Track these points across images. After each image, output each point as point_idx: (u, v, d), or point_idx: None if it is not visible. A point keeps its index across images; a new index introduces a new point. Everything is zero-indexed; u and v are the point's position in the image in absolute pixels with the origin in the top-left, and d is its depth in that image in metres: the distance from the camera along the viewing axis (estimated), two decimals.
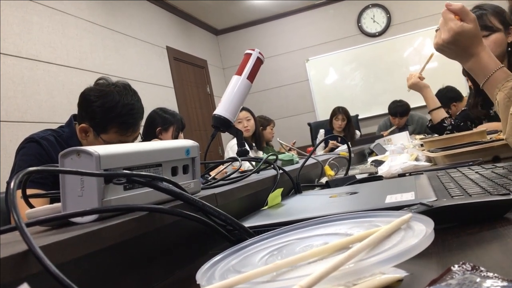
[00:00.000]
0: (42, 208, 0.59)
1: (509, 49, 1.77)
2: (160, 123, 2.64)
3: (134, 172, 0.54)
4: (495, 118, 1.91)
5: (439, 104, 2.08)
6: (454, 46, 1.01)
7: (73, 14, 3.85)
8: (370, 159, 1.80)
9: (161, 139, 2.60)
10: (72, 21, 3.83)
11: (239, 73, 1.26)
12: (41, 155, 1.48)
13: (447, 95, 3.76)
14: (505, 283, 0.30)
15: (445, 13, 1.02)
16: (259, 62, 1.28)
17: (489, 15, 1.79)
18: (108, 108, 1.53)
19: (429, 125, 2.20)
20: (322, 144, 4.41)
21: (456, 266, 0.35)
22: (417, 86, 2.16)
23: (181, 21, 6.02)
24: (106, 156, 0.53)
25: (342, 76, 6.62)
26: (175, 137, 2.71)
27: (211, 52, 6.84)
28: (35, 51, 3.34)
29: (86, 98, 1.56)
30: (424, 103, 2.18)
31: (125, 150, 0.58)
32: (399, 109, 4.64)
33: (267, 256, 0.49)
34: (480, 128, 1.82)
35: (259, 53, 1.28)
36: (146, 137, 2.55)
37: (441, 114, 2.09)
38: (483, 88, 1.01)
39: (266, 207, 0.88)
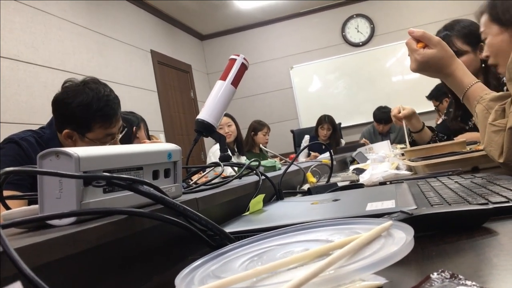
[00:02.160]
0: (19, 209, 0.58)
1: (483, 65, 1.79)
2: (130, 125, 2.63)
3: (114, 175, 0.54)
4: (473, 130, 1.94)
5: (422, 125, 2.07)
6: (425, 72, 1.06)
7: (56, 14, 3.81)
8: (351, 167, 1.81)
9: (138, 137, 2.60)
10: (55, 22, 3.79)
11: (224, 78, 1.26)
12: (20, 156, 1.46)
13: (442, 90, 3.81)
14: None
15: (408, 43, 1.07)
16: (243, 67, 1.28)
17: (454, 38, 1.81)
18: (86, 105, 1.52)
19: (410, 140, 2.18)
20: (306, 150, 4.43)
21: (435, 274, 0.35)
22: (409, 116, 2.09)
23: (166, 25, 6.00)
24: (86, 158, 0.52)
25: (326, 84, 6.67)
26: (147, 131, 2.71)
27: (196, 57, 6.83)
28: (16, 51, 3.29)
29: (61, 102, 1.55)
30: None
31: (105, 152, 0.57)
32: (384, 116, 4.70)
33: (248, 262, 0.49)
34: (460, 138, 1.84)
35: (244, 58, 1.28)
36: (122, 143, 2.54)
37: (427, 134, 2.07)
38: (463, 102, 1.05)
39: (248, 212, 0.87)
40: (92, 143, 1.56)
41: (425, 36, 1.04)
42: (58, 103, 1.55)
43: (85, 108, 1.52)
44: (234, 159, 2.89)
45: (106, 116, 1.56)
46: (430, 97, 3.73)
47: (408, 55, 1.08)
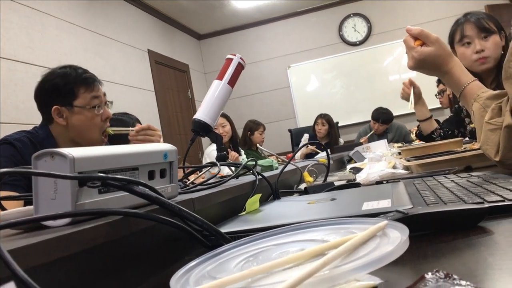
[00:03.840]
0: (14, 210, 0.57)
1: (502, 52, 1.81)
2: (125, 126, 2.62)
3: (109, 176, 0.53)
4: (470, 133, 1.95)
5: (430, 114, 2.08)
6: (422, 70, 1.06)
7: (53, 15, 3.80)
8: (348, 166, 1.81)
9: None
10: (53, 22, 3.78)
11: (220, 77, 1.26)
12: (15, 157, 1.45)
13: None
14: None
15: (406, 40, 1.07)
16: (240, 67, 1.28)
17: (485, 19, 1.82)
18: (64, 74, 1.61)
19: (417, 132, 2.20)
20: (305, 148, 4.45)
21: (430, 273, 0.35)
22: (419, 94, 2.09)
23: (164, 24, 5.99)
24: (81, 158, 0.52)
25: (323, 83, 6.67)
26: None
27: (193, 56, 6.82)
28: (13, 51, 3.28)
29: (44, 82, 1.62)
30: (405, 112, 2.19)
31: (100, 153, 0.57)
32: (382, 116, 4.70)
33: (243, 262, 0.49)
34: None
35: (240, 58, 1.28)
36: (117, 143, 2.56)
37: (433, 125, 2.08)
38: (460, 100, 1.05)
39: (244, 212, 0.87)
40: (82, 112, 1.60)
41: (422, 33, 1.04)
42: (41, 84, 1.63)
43: (64, 76, 1.60)
44: (230, 160, 2.90)
45: (87, 80, 1.61)
46: (439, 81, 3.72)
47: (406, 53, 1.08)
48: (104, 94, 1.67)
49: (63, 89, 1.59)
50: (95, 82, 1.64)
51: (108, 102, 1.67)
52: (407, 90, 2.03)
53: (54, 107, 1.60)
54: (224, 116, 3.87)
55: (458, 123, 2.11)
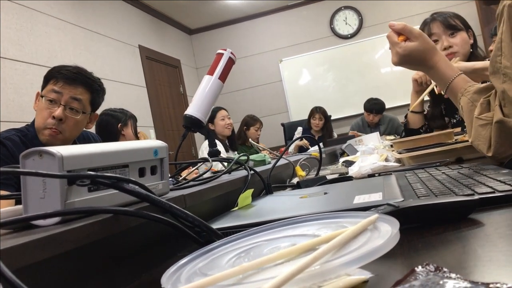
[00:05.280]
0: (3, 210, 0.57)
1: (471, 50, 1.83)
2: (116, 122, 2.62)
3: (99, 174, 0.53)
4: (459, 124, 1.94)
5: (422, 110, 2.07)
6: (407, 65, 1.06)
7: (42, 11, 3.76)
8: (341, 160, 1.81)
9: (123, 135, 2.59)
10: (42, 19, 3.74)
11: (211, 73, 1.25)
12: (5, 155, 1.44)
13: None
14: (467, 284, 0.30)
15: (389, 36, 1.07)
16: (230, 62, 1.27)
17: (452, 17, 1.85)
18: (59, 66, 1.67)
19: (404, 122, 2.18)
20: (297, 142, 4.46)
21: (420, 267, 0.35)
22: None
23: (154, 20, 5.95)
24: (70, 156, 0.52)
25: (315, 77, 6.67)
26: (135, 128, 2.70)
27: (185, 51, 6.79)
28: (2, 48, 3.24)
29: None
30: (397, 104, 2.15)
31: (89, 150, 0.56)
32: (375, 107, 4.72)
33: (235, 258, 0.49)
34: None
35: (231, 53, 1.27)
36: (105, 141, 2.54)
37: (422, 120, 2.06)
38: (447, 95, 1.05)
39: (236, 208, 0.87)
40: (40, 100, 1.62)
41: (406, 29, 1.04)
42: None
43: (56, 67, 1.65)
44: (227, 155, 2.90)
45: (62, 75, 1.62)
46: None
47: (389, 49, 1.08)
48: (78, 100, 1.64)
49: (45, 77, 1.66)
50: (68, 80, 1.62)
51: (75, 109, 1.63)
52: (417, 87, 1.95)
53: (37, 92, 1.66)
54: (225, 110, 3.91)
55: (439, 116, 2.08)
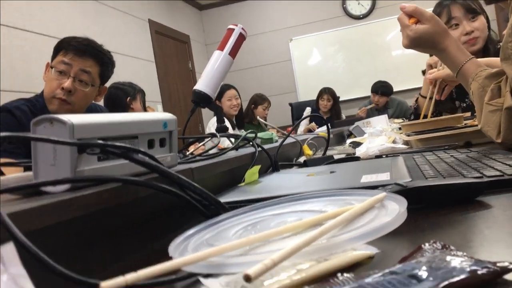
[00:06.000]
0: (13, 176, 0.57)
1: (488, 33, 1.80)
2: (125, 95, 2.61)
3: (109, 143, 0.53)
4: (469, 109, 1.91)
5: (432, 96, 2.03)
6: (418, 48, 1.05)
7: None
8: (348, 141, 1.81)
9: (132, 108, 2.59)
10: None
11: (221, 48, 1.25)
12: (14, 124, 1.45)
13: None
14: (473, 262, 0.30)
15: (400, 18, 1.05)
16: (241, 38, 1.26)
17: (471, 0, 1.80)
18: (69, 37, 1.67)
19: (413, 106, 2.16)
20: (306, 122, 4.44)
21: (427, 244, 0.36)
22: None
23: None
24: (80, 125, 0.52)
25: (325, 57, 6.61)
26: (144, 103, 2.70)
27: (194, 27, 6.74)
28: (12, 19, 3.23)
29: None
30: (406, 88, 2.11)
31: (100, 120, 0.57)
32: (381, 88, 4.68)
33: (241, 231, 0.49)
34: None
35: (242, 28, 1.26)
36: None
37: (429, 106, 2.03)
38: (458, 79, 1.03)
39: (243, 183, 0.88)
40: (50, 70, 1.62)
41: (417, 11, 1.02)
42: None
43: (66, 38, 1.65)
44: (233, 133, 2.89)
45: (72, 46, 1.62)
46: None
47: (400, 31, 1.06)
48: (87, 72, 1.63)
49: (55, 48, 1.65)
50: (77, 51, 1.61)
51: (84, 81, 1.62)
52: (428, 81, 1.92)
53: (47, 62, 1.67)
54: (235, 89, 3.86)
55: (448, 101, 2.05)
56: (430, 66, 1.89)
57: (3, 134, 0.44)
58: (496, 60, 1.41)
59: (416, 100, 2.10)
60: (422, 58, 2.00)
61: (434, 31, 1.00)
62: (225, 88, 3.77)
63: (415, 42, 1.03)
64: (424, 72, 2.92)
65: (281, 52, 6.77)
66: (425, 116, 1.64)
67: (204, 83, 1.21)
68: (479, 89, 0.94)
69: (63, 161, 0.51)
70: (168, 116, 0.72)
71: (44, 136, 0.48)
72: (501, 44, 0.87)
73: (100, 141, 0.53)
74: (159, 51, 5.46)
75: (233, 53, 1.25)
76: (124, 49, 4.62)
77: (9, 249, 0.25)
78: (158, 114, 0.71)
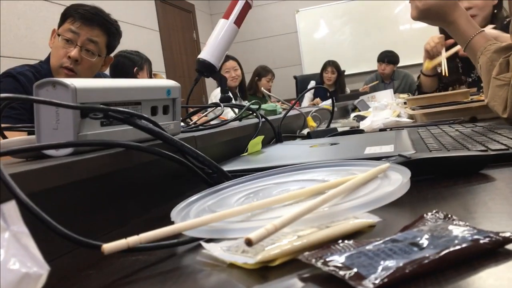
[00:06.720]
0: (16, 139, 0.57)
1: (495, 11, 1.75)
2: (132, 64, 2.58)
3: (112, 108, 0.53)
4: (476, 83, 1.89)
5: (435, 73, 2.01)
6: (426, 20, 1.03)
7: None
8: (353, 114, 1.80)
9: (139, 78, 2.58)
10: None
11: (226, 16, 1.23)
12: (18, 90, 1.44)
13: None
14: (475, 231, 0.30)
15: None
16: (247, 6, 1.24)
17: None
18: (75, 5, 1.63)
19: (417, 84, 2.15)
20: (310, 95, 4.42)
21: (429, 214, 0.36)
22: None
23: None
24: (83, 89, 0.51)
25: (332, 30, 6.52)
26: (151, 73, 2.68)
27: None
28: None
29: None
30: (414, 62, 2.07)
31: (103, 85, 0.56)
32: (388, 57, 4.63)
33: (244, 198, 0.49)
34: None
35: None
36: None
37: (435, 83, 2.02)
38: (466, 53, 1.01)
39: (246, 153, 0.88)
40: (56, 38, 1.59)
41: None
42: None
43: (73, 5, 1.61)
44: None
45: (79, 14, 1.58)
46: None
47: (409, 2, 1.04)
48: (94, 42, 1.61)
49: (62, 14, 1.61)
50: (84, 19, 1.58)
51: (91, 51, 1.60)
52: (438, 48, 1.86)
53: (53, 28, 1.63)
54: (236, 60, 3.80)
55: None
56: (428, 52, 1.87)
57: (7, 95, 0.43)
58: (506, 35, 1.39)
59: (418, 78, 2.08)
60: (430, 33, 1.96)
61: (443, 3, 0.98)
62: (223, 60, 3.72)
63: (423, 14, 1.01)
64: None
65: (287, 23, 6.67)
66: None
67: (208, 52, 1.20)
68: (487, 63, 0.92)
69: (66, 125, 0.51)
70: (171, 83, 0.71)
71: (47, 98, 0.48)
72: (508, 19, 0.85)
73: (103, 106, 0.52)
74: (164, 20, 5.39)
75: (239, 22, 1.23)
76: (127, 17, 4.55)
77: (11, 206, 0.25)
78: (162, 81, 0.70)
